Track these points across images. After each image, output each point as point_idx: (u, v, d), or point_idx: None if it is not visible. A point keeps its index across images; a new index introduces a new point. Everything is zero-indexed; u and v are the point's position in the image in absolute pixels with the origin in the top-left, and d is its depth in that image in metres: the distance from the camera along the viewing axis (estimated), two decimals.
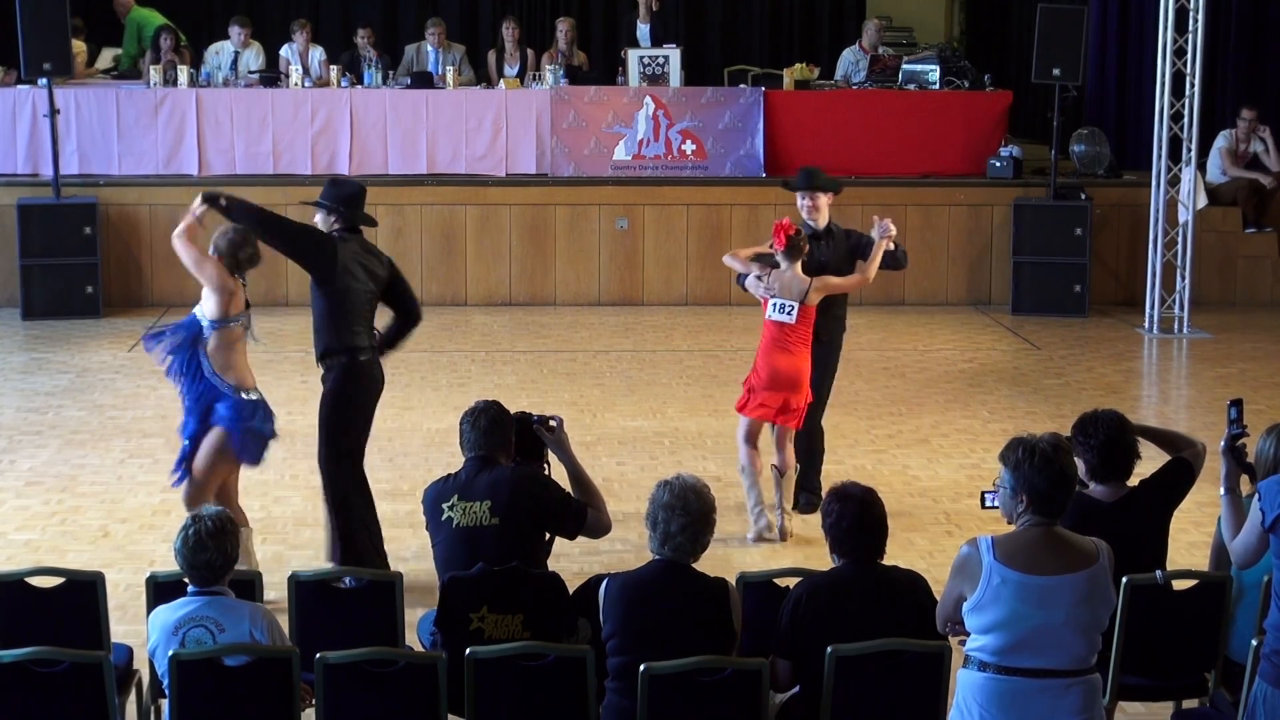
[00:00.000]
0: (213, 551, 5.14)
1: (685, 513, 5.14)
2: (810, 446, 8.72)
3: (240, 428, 7.20)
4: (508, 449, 6.00)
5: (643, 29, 15.81)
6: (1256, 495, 5.00)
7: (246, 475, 9.25)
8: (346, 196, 7.32)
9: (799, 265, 8.23)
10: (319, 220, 7.33)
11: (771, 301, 8.24)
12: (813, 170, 8.66)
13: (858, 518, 5.15)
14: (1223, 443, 5.34)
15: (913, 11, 19.33)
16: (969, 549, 4.67)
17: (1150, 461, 5.96)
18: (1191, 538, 7.81)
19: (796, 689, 5.18)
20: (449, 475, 5.96)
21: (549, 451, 6.22)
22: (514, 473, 5.91)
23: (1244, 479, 5.36)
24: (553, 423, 6.17)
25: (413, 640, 6.03)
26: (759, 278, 8.30)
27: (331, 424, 7.28)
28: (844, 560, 5.18)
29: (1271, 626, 4.96)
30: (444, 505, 5.83)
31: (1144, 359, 13.06)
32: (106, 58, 15.91)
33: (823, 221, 8.49)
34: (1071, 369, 12.33)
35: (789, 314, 8.19)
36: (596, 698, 5.11)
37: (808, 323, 8.24)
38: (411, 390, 11.29)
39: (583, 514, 5.97)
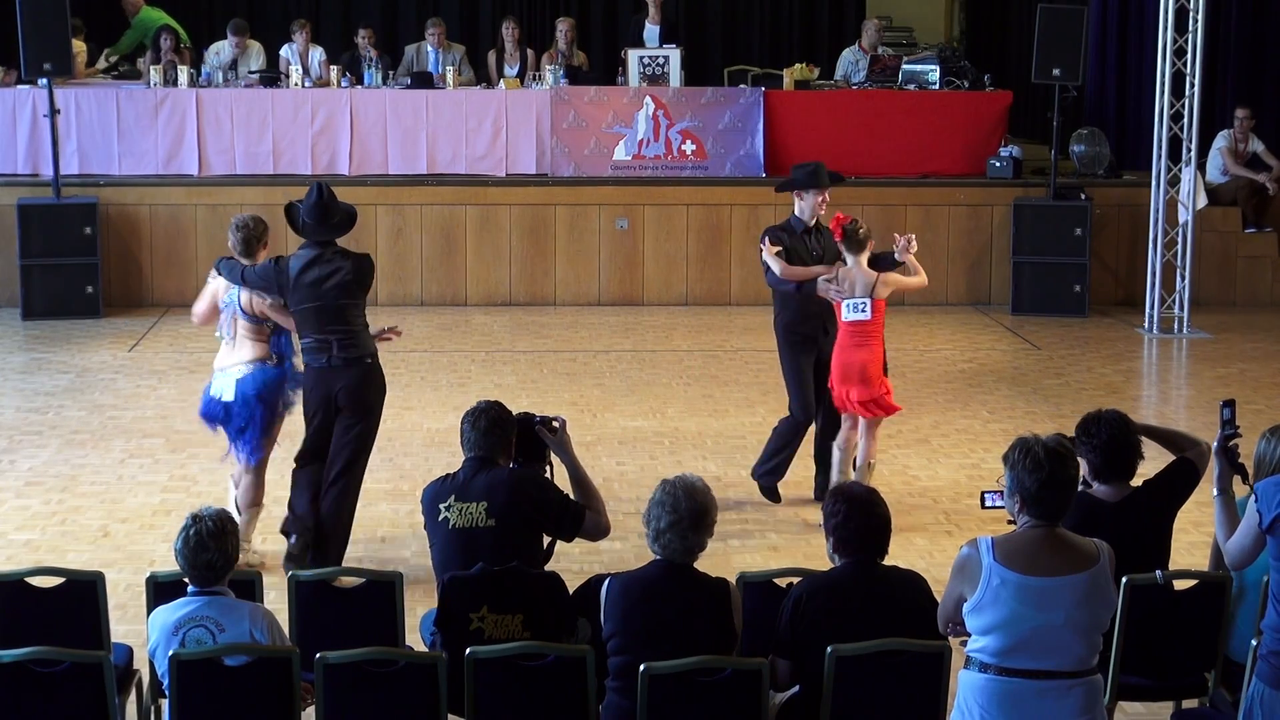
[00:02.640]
0: (213, 552, 5.14)
1: (673, 510, 5.12)
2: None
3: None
4: (507, 450, 6.00)
5: (651, 30, 15.79)
6: (1253, 496, 5.00)
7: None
8: (306, 209, 7.56)
9: (864, 258, 8.34)
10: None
11: (845, 303, 8.30)
12: (821, 166, 8.83)
13: (863, 518, 5.15)
14: (1215, 444, 5.34)
15: (913, 11, 19.33)
16: (969, 550, 4.66)
17: (1155, 461, 5.96)
18: (1191, 538, 7.81)
19: (796, 689, 5.18)
20: (447, 475, 5.96)
21: (551, 452, 6.21)
22: (511, 474, 5.91)
23: (1236, 480, 5.36)
24: (555, 424, 6.17)
25: (413, 640, 6.03)
26: (828, 280, 8.36)
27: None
28: (846, 560, 5.17)
29: (1269, 627, 4.96)
30: (441, 506, 5.83)
31: (1144, 359, 13.06)
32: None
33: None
34: (1071, 369, 12.33)
35: (864, 311, 8.29)
36: (596, 698, 5.12)
37: (880, 314, 8.35)
38: (411, 390, 11.29)
39: (581, 516, 5.96)
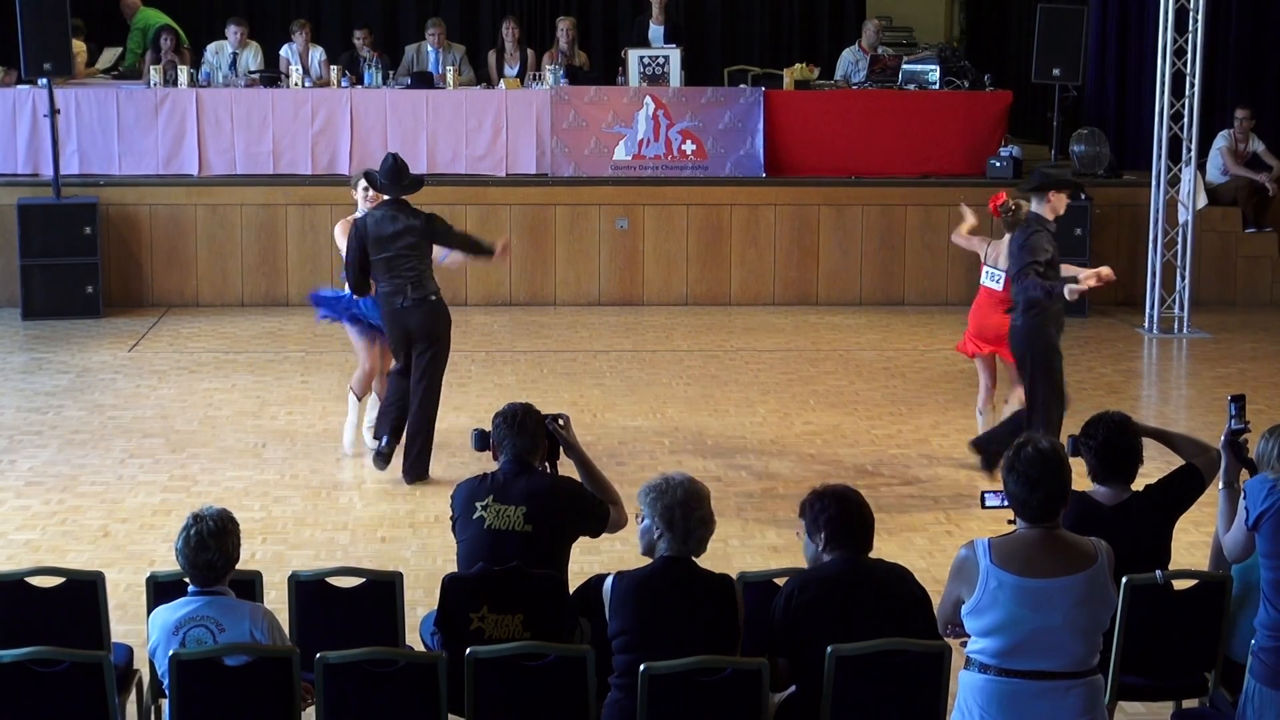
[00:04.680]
0: (214, 552, 5.14)
1: (701, 504, 5.18)
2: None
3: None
4: (541, 453, 6.03)
5: (656, 30, 15.78)
6: (1243, 494, 5.02)
7: (248, 477, 9.30)
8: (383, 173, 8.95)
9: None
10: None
11: (986, 269, 9.44)
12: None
13: (854, 512, 5.16)
14: (1223, 437, 5.35)
15: (913, 11, 19.34)
16: (966, 551, 4.66)
17: (1155, 463, 5.96)
18: (1191, 538, 7.80)
19: (794, 688, 5.18)
20: (485, 474, 5.94)
21: (559, 450, 6.21)
22: (552, 482, 5.93)
23: (1244, 474, 5.36)
24: (560, 421, 6.18)
25: (413, 640, 6.03)
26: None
27: None
28: (834, 555, 5.17)
29: (1261, 625, 4.98)
30: (477, 504, 5.81)
31: (1144, 359, 13.06)
32: (107, 58, 15.90)
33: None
34: (1071, 369, 12.23)
35: (998, 281, 9.26)
36: (597, 697, 5.11)
37: (1008, 289, 9.01)
38: None
39: (606, 513, 6.01)
